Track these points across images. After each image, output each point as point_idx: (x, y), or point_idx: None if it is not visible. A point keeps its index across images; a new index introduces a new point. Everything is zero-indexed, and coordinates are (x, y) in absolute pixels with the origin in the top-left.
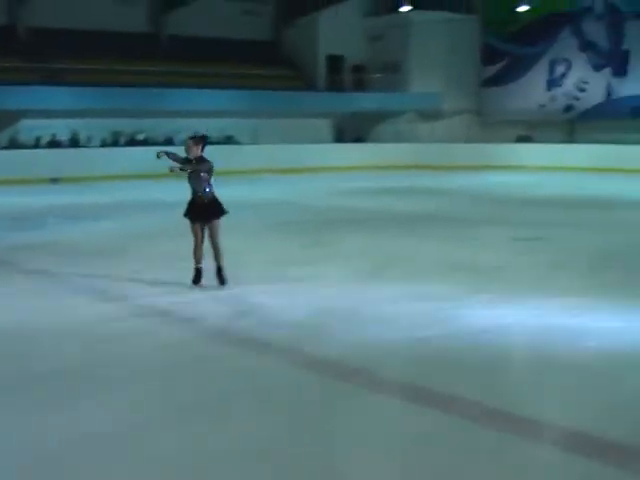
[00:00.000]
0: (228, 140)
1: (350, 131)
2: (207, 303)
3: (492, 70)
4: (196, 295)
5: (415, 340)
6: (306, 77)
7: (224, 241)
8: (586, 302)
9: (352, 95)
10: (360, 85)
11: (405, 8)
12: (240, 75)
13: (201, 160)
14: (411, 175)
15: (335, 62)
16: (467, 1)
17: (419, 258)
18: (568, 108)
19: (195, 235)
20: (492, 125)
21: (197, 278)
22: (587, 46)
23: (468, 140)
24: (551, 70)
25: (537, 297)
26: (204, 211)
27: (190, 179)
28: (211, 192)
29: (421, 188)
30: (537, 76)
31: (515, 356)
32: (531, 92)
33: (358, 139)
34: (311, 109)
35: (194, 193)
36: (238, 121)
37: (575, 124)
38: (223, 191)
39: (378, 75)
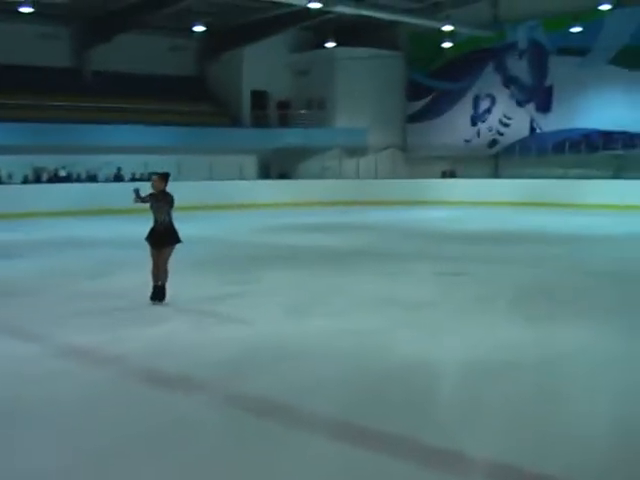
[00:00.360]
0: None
1: (275, 167)
2: (129, 342)
3: (417, 106)
4: (118, 334)
5: (342, 376)
6: (231, 113)
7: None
8: (513, 336)
9: (277, 131)
10: (285, 121)
11: (330, 44)
12: (164, 111)
13: (164, 194)
14: (338, 211)
15: (260, 98)
16: (392, 38)
17: (347, 294)
18: (492, 143)
19: (153, 258)
20: (418, 160)
21: (154, 295)
22: (511, 82)
23: (394, 176)
24: (475, 105)
25: (466, 332)
26: (161, 237)
27: (152, 209)
28: (169, 222)
29: (348, 224)
30: (462, 111)
31: (444, 392)
32: (456, 127)
33: (283, 175)
34: (236, 145)
35: (155, 221)
36: (162, 157)
37: (499, 159)
38: (146, 228)
39: (303, 111)
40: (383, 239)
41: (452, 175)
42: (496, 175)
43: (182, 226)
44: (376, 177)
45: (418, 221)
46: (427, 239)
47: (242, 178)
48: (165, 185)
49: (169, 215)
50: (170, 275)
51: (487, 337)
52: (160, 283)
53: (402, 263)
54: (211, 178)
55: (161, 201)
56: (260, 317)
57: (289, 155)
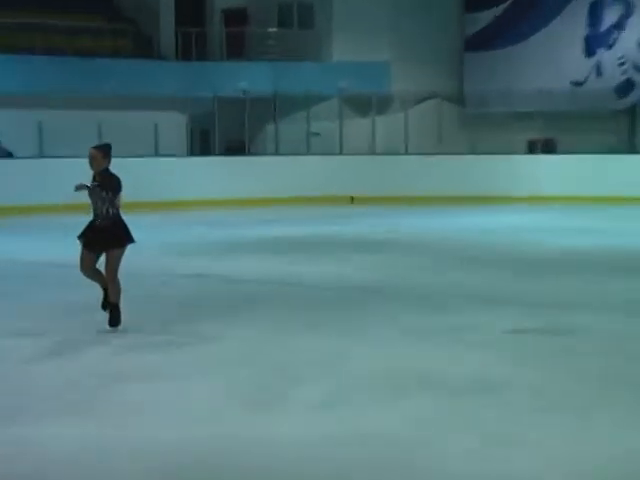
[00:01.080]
0: None
1: (222, 135)
2: None
3: (484, 20)
4: None
5: None
6: (140, 33)
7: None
8: None
9: (224, 67)
10: (239, 49)
11: None
12: (16, 27)
13: (106, 174)
14: (336, 215)
15: (192, 5)
16: None
17: (349, 367)
18: (625, 87)
19: (81, 262)
20: (484, 122)
21: (110, 316)
22: None
23: (440, 150)
24: (594, 18)
25: (569, 439)
26: (102, 237)
27: (91, 197)
28: (114, 215)
29: (354, 240)
30: (567, 29)
31: None
32: (556, 59)
33: (235, 149)
34: (149, 92)
35: (95, 215)
36: (10, 114)
37: (638, 117)
38: None
39: (272, 30)
40: (417, 267)
41: (548, 148)
42: (631, 147)
43: (46, 241)
44: (406, 152)
45: (483, 233)
46: (497, 266)
47: (161, 154)
48: (108, 162)
49: (114, 205)
50: (34, 334)
51: (612, 449)
52: (113, 300)
53: (450, 312)
54: None
55: (102, 186)
56: (194, 409)
57: (246, 112)
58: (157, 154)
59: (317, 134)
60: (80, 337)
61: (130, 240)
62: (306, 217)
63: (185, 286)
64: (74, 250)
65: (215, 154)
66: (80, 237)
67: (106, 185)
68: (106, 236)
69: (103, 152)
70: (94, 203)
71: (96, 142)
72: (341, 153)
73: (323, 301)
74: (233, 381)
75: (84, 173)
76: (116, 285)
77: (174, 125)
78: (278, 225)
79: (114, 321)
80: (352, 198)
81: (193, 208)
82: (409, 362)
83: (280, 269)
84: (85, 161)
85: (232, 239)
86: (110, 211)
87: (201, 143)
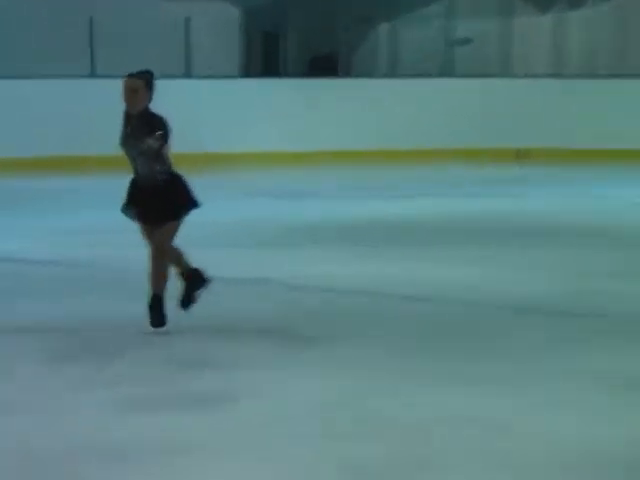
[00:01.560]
0: None
1: (299, 42)
2: None
3: None
4: None
5: None
6: None
7: None
8: None
9: None
10: None
11: None
12: None
13: (146, 117)
14: (491, 180)
15: None
16: None
17: (520, 447)
18: None
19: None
20: None
21: (151, 311)
22: None
23: None
24: None
25: None
26: (149, 205)
27: (127, 150)
28: (164, 172)
29: (517, 223)
30: None
31: None
32: None
33: (323, 66)
34: None
35: (136, 174)
36: None
37: None
38: None
39: None
40: (622, 272)
41: None
42: None
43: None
44: (619, 72)
45: None
46: None
47: (195, 75)
48: (149, 96)
49: (162, 158)
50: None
51: None
52: (156, 290)
53: None
54: (94, 74)
55: (141, 132)
56: None
57: (337, 7)
58: (189, 74)
59: (467, 41)
60: (57, 382)
61: (192, 205)
62: (439, 184)
63: (225, 297)
64: (35, 235)
65: (287, 75)
66: (126, 209)
67: (147, 130)
68: (158, 203)
69: (146, 81)
70: (131, 159)
71: (86, 52)
72: (506, 75)
73: (462, 328)
74: (314, 461)
75: (65, 105)
76: (163, 268)
77: (218, 25)
78: (389, 197)
79: (156, 319)
80: (521, 152)
81: (249, 166)
82: (617, 443)
83: (386, 272)
84: (67, 84)
85: (310, 219)
86: (157, 167)
87: (264, 56)
